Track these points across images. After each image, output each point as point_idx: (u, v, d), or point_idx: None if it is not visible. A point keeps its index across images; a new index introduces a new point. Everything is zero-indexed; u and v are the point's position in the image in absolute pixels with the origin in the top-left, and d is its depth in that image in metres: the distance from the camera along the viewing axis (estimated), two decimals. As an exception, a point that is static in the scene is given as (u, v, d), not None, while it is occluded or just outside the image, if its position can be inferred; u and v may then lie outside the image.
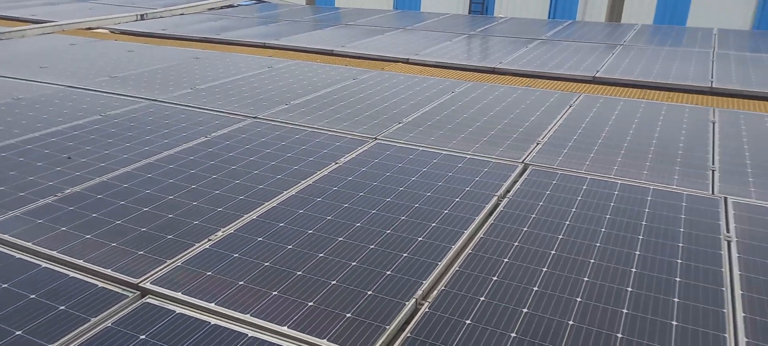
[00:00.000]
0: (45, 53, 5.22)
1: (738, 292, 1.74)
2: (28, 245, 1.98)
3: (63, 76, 4.37)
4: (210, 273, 1.85)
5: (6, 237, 2.03)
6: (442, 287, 1.80)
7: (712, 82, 4.29)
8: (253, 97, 3.89)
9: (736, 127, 3.30)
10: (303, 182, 2.56)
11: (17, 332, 1.56)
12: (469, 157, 2.87)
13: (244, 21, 7.30)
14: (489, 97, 3.98)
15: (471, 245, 2.06)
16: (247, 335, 1.57)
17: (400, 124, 3.37)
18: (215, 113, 3.52)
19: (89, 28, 6.86)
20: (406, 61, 5.33)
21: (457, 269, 1.91)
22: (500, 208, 2.33)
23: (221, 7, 8.75)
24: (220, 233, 2.10)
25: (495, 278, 1.85)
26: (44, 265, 1.87)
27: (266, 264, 1.91)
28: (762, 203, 2.34)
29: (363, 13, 8.02)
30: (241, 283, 1.80)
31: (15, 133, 3.10)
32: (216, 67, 4.78)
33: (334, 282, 1.82)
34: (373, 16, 7.81)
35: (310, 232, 2.12)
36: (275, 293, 1.76)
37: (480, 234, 2.13)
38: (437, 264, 1.92)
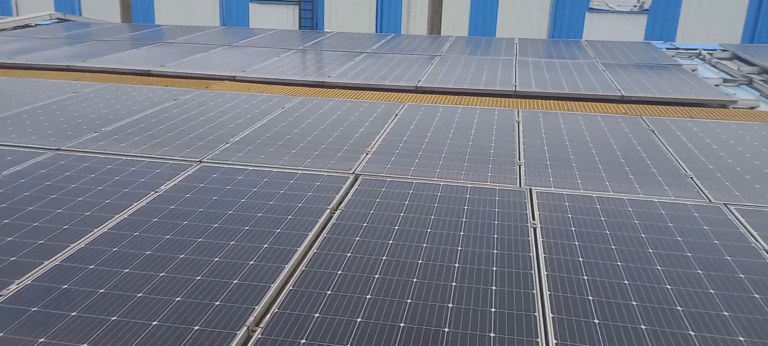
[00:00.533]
0: None
1: (544, 273, 1.95)
2: None
3: None
4: (1, 334, 1.58)
5: None
6: (276, 310, 1.75)
7: (515, 86, 4.80)
8: (54, 127, 3.46)
9: (536, 125, 3.72)
10: (117, 216, 2.33)
11: None
12: (300, 172, 2.85)
13: (44, 42, 6.50)
14: (319, 111, 4.01)
15: (305, 261, 2.03)
16: (48, 400, 1.37)
17: (228, 145, 3.24)
18: (6, 149, 3.06)
19: None
20: (233, 79, 5.17)
21: (290, 288, 1.87)
22: (333, 220, 2.35)
23: (15, 28, 7.70)
24: (13, 287, 1.81)
25: (329, 292, 1.84)
26: None
27: (73, 314, 1.69)
28: (559, 190, 2.66)
29: (185, 30, 7.62)
30: (42, 340, 1.57)
31: None
32: (6, 95, 4.17)
33: (155, 323, 1.66)
34: (197, 32, 7.47)
35: (126, 271, 1.93)
36: (85, 344, 1.56)
37: (314, 249, 2.11)
38: (270, 286, 1.87)
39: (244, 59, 5.87)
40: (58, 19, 8.58)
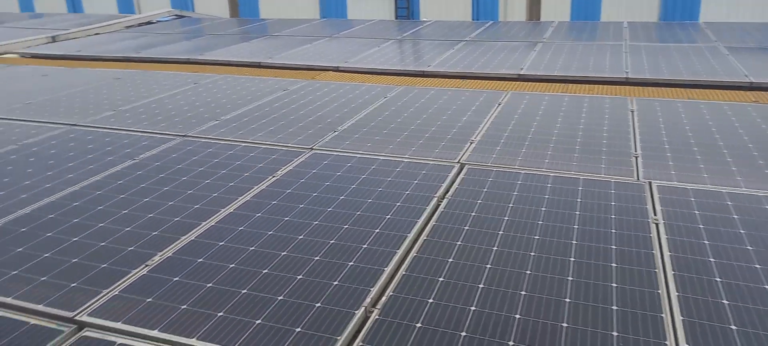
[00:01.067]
0: (-55, 81, 4.82)
1: (670, 272, 1.85)
2: (-59, 291, 1.82)
3: (-32, 105, 4.06)
4: (150, 299, 1.76)
5: None
6: (391, 293, 1.80)
7: (627, 73, 4.55)
8: (180, 115, 3.76)
9: (653, 114, 3.52)
10: (240, 198, 2.50)
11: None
12: (406, 160, 2.90)
13: (165, 37, 7.05)
14: (421, 100, 4.04)
15: (415, 247, 2.07)
16: (193, 362, 1.51)
17: (336, 133, 3.36)
18: (142, 134, 3.37)
19: (-6, 52, 6.41)
20: (337, 69, 5.33)
21: (403, 272, 1.92)
22: (440, 209, 2.37)
23: (139, 25, 8.41)
24: (157, 258, 2.00)
25: (441, 279, 1.87)
26: (-38, 311, 1.72)
27: (209, 285, 1.84)
28: (683, 184, 2.50)
29: (289, 23, 7.94)
30: (184, 307, 1.73)
31: None
32: (138, 86, 4.58)
33: (280, 298, 1.78)
34: (300, 25, 7.76)
35: (252, 248, 2.07)
36: (221, 314, 1.70)
37: (423, 236, 2.15)
38: (384, 270, 1.92)
39: (345, 50, 6.03)
40: (175, 15, 9.26)
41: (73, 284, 1.85)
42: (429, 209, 2.37)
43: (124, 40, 6.94)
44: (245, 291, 1.81)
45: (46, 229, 2.22)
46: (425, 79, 4.94)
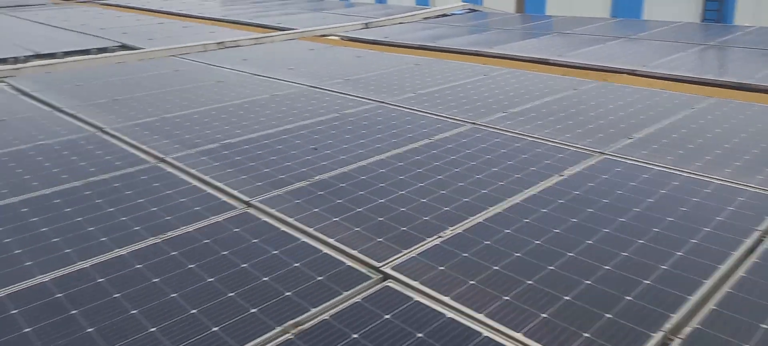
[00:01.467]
0: (290, 57, 5.97)
1: None
2: (290, 220, 2.27)
3: (306, 77, 4.94)
4: (442, 268, 1.90)
5: (273, 212, 2.35)
6: (697, 325, 1.60)
7: None
8: (470, 104, 3.94)
9: None
10: (526, 190, 2.50)
11: (286, 293, 1.79)
12: (717, 182, 2.53)
13: (458, 29, 7.46)
14: (738, 116, 3.47)
15: (729, 283, 1.80)
16: (481, 334, 1.58)
17: (630, 140, 3.11)
18: (436, 117, 3.64)
19: (323, 35, 7.65)
20: (632, 73, 4.92)
21: (713, 307, 1.68)
22: (765, 245, 2.00)
23: (436, 17, 9.08)
24: (448, 232, 2.15)
25: (765, 326, 1.58)
26: (302, 239, 2.12)
27: (495, 268, 1.90)
28: None
29: (578, 22, 7.63)
30: (472, 282, 1.82)
31: (273, 124, 3.59)
32: (434, 73, 4.95)
33: (567, 297, 1.73)
34: (591, 24, 7.39)
35: (537, 242, 2.06)
36: (507, 297, 1.74)
37: (740, 272, 1.85)
38: (688, 298, 1.72)
39: (642, 53, 5.53)
40: (468, 9, 9.73)
41: (379, 239, 2.10)
42: (748, 242, 2.03)
43: (423, 29, 7.58)
44: (531, 282, 1.81)
45: (359, 187, 2.58)
46: (745, 93, 4.23)
